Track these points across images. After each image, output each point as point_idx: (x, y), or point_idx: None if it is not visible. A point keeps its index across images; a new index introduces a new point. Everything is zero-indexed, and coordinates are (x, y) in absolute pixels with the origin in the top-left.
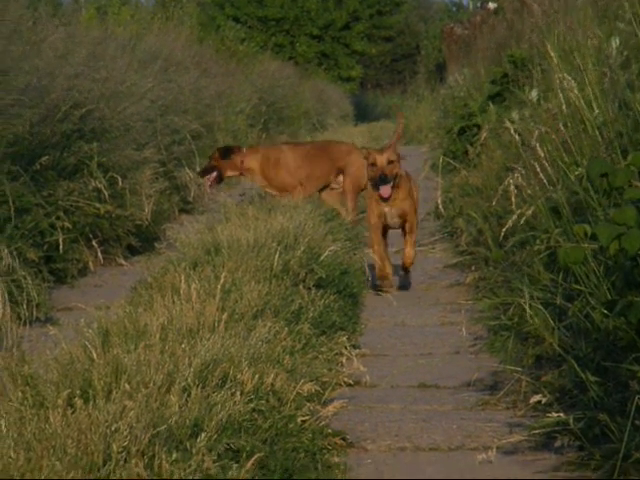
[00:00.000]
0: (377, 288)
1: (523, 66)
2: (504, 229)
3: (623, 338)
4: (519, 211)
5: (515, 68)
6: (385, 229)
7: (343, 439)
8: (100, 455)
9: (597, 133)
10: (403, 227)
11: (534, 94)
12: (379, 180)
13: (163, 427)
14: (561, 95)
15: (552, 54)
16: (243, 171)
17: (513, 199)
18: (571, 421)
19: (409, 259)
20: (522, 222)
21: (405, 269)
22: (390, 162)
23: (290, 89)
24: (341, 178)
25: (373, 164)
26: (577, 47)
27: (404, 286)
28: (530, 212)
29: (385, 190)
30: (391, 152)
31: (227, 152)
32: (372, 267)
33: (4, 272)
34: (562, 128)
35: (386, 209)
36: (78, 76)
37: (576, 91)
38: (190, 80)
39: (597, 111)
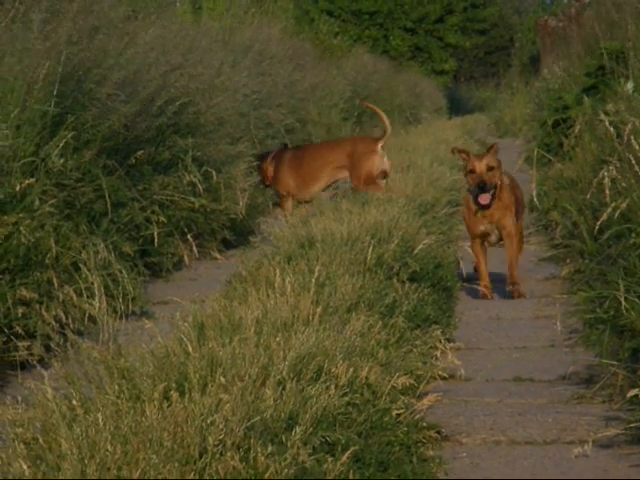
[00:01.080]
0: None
1: (619, 58)
2: (599, 222)
3: None
4: (614, 204)
5: (610, 60)
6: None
7: (438, 432)
8: (196, 448)
9: None
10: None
11: (630, 86)
12: (478, 189)
13: (258, 420)
14: None
15: None
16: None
17: (607, 192)
18: None
19: (510, 281)
20: (617, 215)
21: (510, 284)
22: (490, 169)
23: (383, 82)
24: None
25: (472, 171)
26: None
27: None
28: (625, 205)
29: (484, 197)
30: (491, 158)
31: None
32: (467, 261)
33: (100, 266)
34: None
35: (485, 222)
36: (173, 71)
37: None
38: (284, 74)
39: None
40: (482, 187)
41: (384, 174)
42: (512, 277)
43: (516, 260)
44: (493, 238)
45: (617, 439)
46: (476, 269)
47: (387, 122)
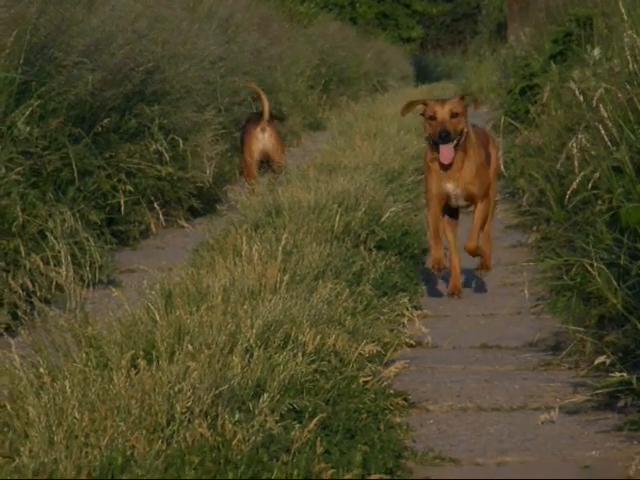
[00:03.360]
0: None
1: (586, 25)
2: (569, 191)
3: None
4: (583, 173)
5: (578, 27)
6: (449, 205)
7: (405, 400)
8: (164, 416)
9: None
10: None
11: (596, 53)
12: (438, 137)
13: (226, 388)
14: (628, 52)
15: (622, 10)
16: None
17: (576, 161)
18: (634, 381)
19: (469, 249)
20: (586, 183)
21: (480, 267)
22: (454, 115)
23: (350, 50)
24: None
25: (432, 117)
26: None
27: (478, 288)
28: (597, 175)
29: (446, 151)
30: (455, 103)
31: None
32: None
33: (67, 234)
34: (627, 86)
35: (448, 185)
36: (139, 38)
37: None
38: (250, 41)
39: None
40: (444, 136)
41: (265, 157)
42: (469, 244)
43: (479, 232)
44: (456, 201)
45: (584, 405)
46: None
47: (266, 108)
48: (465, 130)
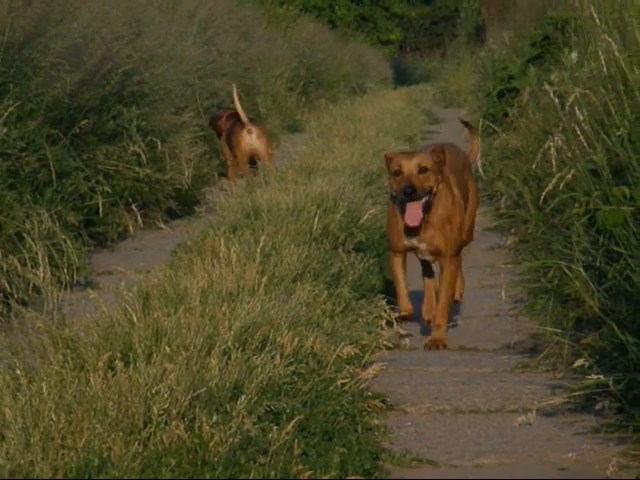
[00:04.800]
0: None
1: (564, 28)
2: (545, 192)
3: None
4: (559, 174)
5: (556, 30)
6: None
7: (383, 402)
8: (140, 417)
9: (638, 95)
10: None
11: (574, 56)
12: (403, 193)
13: (203, 390)
14: (602, 57)
15: (594, 15)
16: None
17: (554, 162)
18: (611, 383)
19: (434, 336)
20: (562, 185)
21: (431, 341)
22: (422, 170)
23: (329, 53)
24: None
25: (397, 172)
26: (619, 8)
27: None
28: (570, 176)
29: (412, 211)
30: (425, 157)
31: None
32: None
33: (44, 236)
34: (602, 90)
35: (413, 240)
36: (117, 39)
37: (617, 52)
38: (229, 43)
39: (638, 72)
40: (410, 193)
41: (254, 157)
42: (437, 318)
43: (448, 301)
44: (422, 253)
45: (561, 407)
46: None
47: (239, 109)
48: (434, 190)
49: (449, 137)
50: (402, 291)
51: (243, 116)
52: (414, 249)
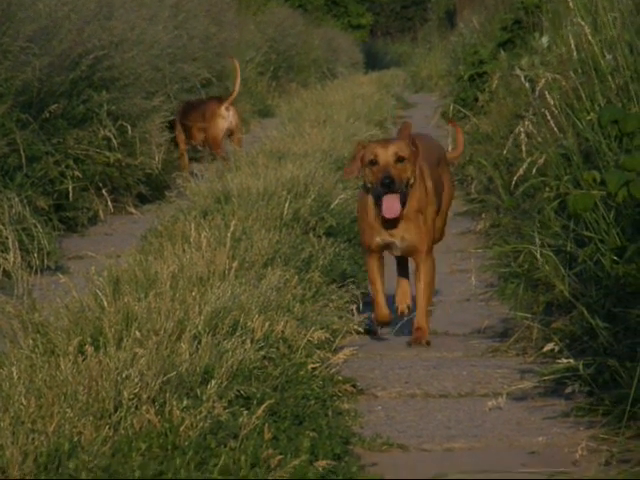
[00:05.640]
0: (372, 333)
1: (534, 12)
2: (515, 177)
3: (632, 284)
4: (530, 159)
5: (526, 14)
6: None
7: (353, 386)
8: (111, 402)
9: (610, 79)
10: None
11: (544, 40)
12: (381, 186)
13: (174, 374)
14: (572, 41)
15: None
16: None
17: (524, 147)
18: (581, 367)
19: (418, 329)
20: (533, 170)
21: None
22: (400, 159)
23: (299, 37)
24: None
25: (373, 162)
26: None
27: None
28: (542, 161)
29: (390, 204)
30: (402, 145)
31: None
32: None
33: (14, 220)
34: (572, 74)
35: (386, 236)
36: (87, 23)
37: (589, 36)
38: (200, 28)
39: (609, 56)
40: (388, 184)
41: (230, 132)
42: (418, 321)
43: (427, 300)
44: (397, 249)
45: (531, 392)
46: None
47: (238, 83)
48: (411, 181)
49: (419, 121)
50: (379, 298)
51: (235, 93)
52: (389, 246)
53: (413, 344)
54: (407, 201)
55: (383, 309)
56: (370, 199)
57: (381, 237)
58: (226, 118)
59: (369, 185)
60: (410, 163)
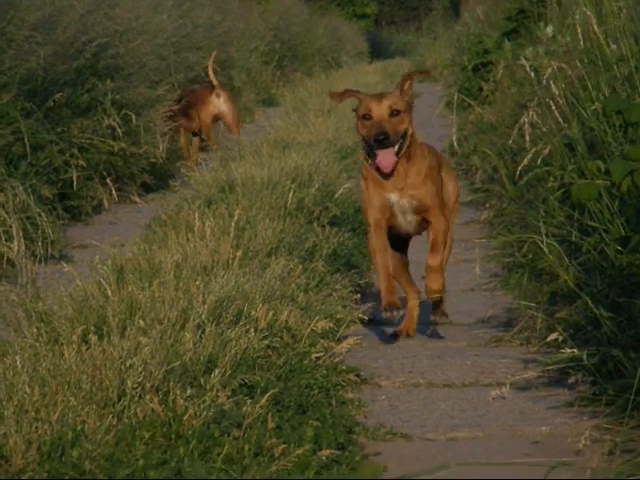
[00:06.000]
0: (383, 323)
1: (539, 2)
2: (520, 167)
3: (637, 274)
4: (534, 149)
5: (531, 4)
6: (396, 231)
7: (357, 375)
8: (115, 391)
9: (615, 68)
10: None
11: (549, 30)
12: (374, 140)
13: (177, 363)
14: (579, 30)
15: None
16: None
17: (527, 137)
18: (585, 357)
19: (432, 289)
20: (538, 159)
21: (433, 304)
22: (395, 113)
23: (304, 26)
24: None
25: (366, 116)
26: None
27: (433, 334)
28: (546, 150)
29: (385, 157)
30: (396, 98)
31: None
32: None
33: (19, 209)
34: (578, 64)
35: (392, 196)
36: (91, 12)
37: (595, 26)
38: (204, 16)
39: (614, 46)
40: (381, 139)
41: (221, 118)
42: (432, 287)
43: (443, 263)
44: (404, 217)
45: (534, 381)
46: (380, 278)
47: (211, 74)
48: (409, 131)
49: (424, 111)
50: (385, 284)
51: (214, 79)
52: (393, 212)
53: (435, 322)
54: (411, 157)
55: (389, 297)
56: (370, 170)
57: (383, 193)
58: (216, 105)
59: (363, 139)
60: (406, 114)
